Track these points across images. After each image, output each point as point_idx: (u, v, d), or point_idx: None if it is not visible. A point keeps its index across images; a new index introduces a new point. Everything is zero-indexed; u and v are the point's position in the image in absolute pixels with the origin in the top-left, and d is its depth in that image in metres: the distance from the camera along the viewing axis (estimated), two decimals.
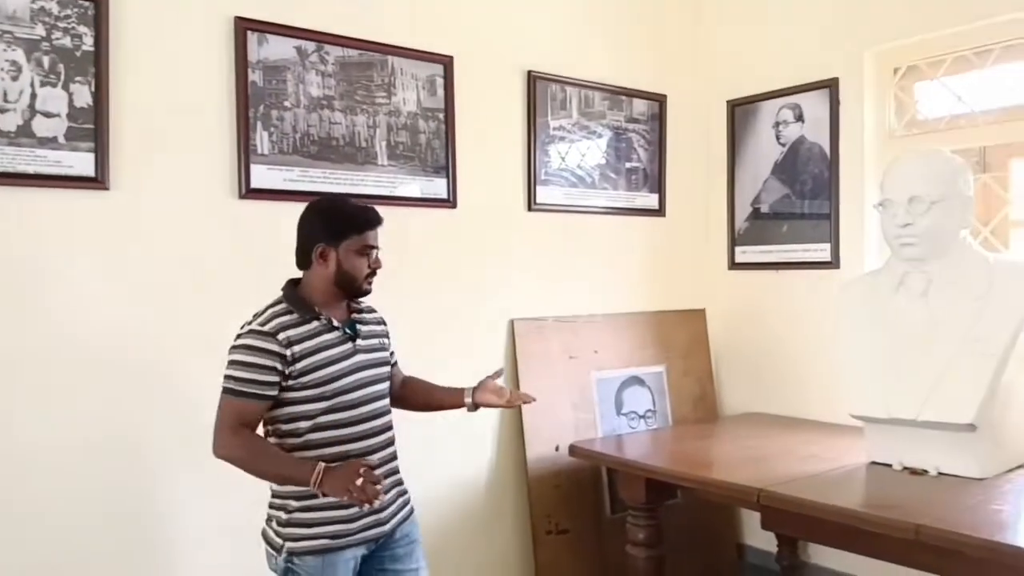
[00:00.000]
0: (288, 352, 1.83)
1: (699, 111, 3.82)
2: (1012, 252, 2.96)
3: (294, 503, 1.88)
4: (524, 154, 3.17)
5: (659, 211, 3.66)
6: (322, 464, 1.77)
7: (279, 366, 1.82)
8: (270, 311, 1.90)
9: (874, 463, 2.56)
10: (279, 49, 2.57)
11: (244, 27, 2.49)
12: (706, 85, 3.84)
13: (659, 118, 3.63)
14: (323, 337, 1.90)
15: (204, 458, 1.85)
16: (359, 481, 1.71)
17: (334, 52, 2.68)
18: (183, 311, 2.41)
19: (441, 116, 2.91)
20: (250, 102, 2.51)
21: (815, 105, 3.44)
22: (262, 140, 2.54)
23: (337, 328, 1.94)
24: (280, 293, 1.96)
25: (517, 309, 3.14)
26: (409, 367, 2.75)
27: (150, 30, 2.36)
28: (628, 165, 3.53)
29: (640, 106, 3.56)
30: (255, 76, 2.52)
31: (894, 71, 3.28)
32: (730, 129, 3.78)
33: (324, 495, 1.77)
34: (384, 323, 2.14)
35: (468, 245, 2.99)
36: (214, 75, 2.47)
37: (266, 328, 1.84)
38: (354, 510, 1.86)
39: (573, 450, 2.97)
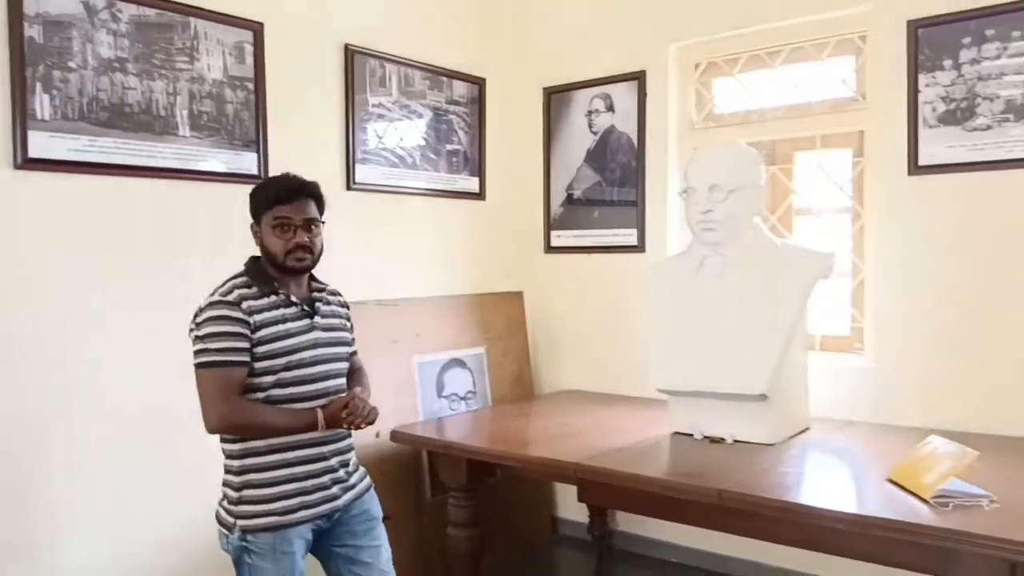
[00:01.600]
0: (251, 320, 1.86)
1: (517, 96, 3.88)
2: (796, 237, 3.26)
3: (242, 479, 1.90)
4: (342, 131, 3.05)
5: (479, 194, 3.68)
6: (316, 414, 1.91)
7: (247, 332, 1.85)
8: (231, 283, 1.92)
9: (677, 433, 2.73)
10: (63, 3, 2.29)
11: None
12: (524, 71, 3.90)
13: (479, 101, 3.64)
14: (281, 311, 1.92)
15: None
16: (344, 413, 1.92)
17: (128, 10, 2.43)
18: None
19: (250, 86, 2.73)
20: (27, 61, 2.21)
21: (624, 96, 3.60)
22: (42, 104, 2.25)
23: (295, 304, 1.96)
24: (242, 268, 1.97)
25: None
26: None
27: None
28: (449, 147, 3.52)
29: (460, 88, 3.55)
30: (33, 31, 2.23)
31: (695, 66, 3.50)
32: (546, 116, 3.87)
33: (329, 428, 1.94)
34: (347, 307, 2.16)
35: None
36: None
37: (229, 298, 1.87)
38: (303, 484, 1.92)
39: (395, 435, 2.93)
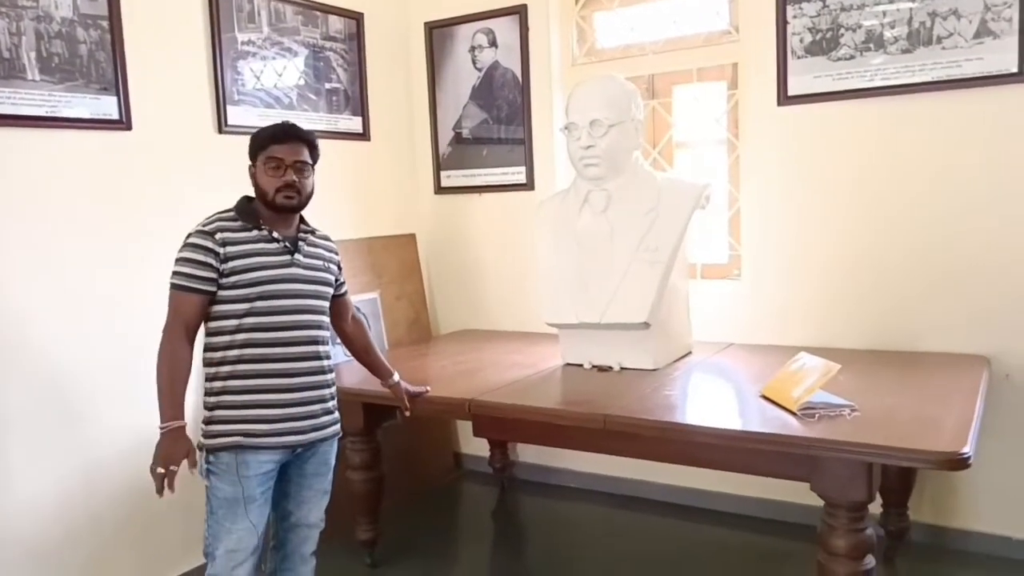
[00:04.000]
0: (222, 251, 1.95)
1: (397, 32, 3.77)
2: (676, 171, 3.35)
3: (213, 400, 1.99)
4: (209, 71, 2.89)
5: (363, 135, 3.59)
6: (174, 425, 1.88)
7: (214, 263, 1.94)
8: (216, 215, 2.03)
9: (568, 364, 2.81)
10: None
11: None
12: (403, 5, 3.78)
13: (357, 37, 3.51)
14: (260, 245, 2.01)
15: None
16: (160, 471, 1.83)
17: None
18: None
19: (105, 24, 2.53)
20: None
21: (507, 31, 3.55)
22: None
23: (278, 241, 2.03)
24: (233, 203, 2.06)
25: None
26: (98, 310, 2.51)
27: None
28: (328, 86, 3.39)
29: (336, 23, 3.41)
30: None
31: (575, 0, 3.48)
32: (429, 52, 3.79)
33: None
34: (336, 253, 2.23)
35: (149, 172, 2.69)
36: None
37: (206, 228, 1.97)
38: (268, 412, 1.98)
39: None
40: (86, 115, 2.51)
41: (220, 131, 2.91)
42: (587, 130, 2.63)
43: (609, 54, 3.46)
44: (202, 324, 2.01)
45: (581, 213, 2.76)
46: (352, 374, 3.04)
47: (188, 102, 2.83)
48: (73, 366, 2.50)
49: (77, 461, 2.52)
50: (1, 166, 2.33)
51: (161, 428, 1.88)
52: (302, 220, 2.16)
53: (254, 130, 2.13)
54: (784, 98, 2.94)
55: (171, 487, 1.85)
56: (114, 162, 2.60)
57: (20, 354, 2.38)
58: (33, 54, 2.38)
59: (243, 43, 3.00)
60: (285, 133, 2.06)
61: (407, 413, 2.49)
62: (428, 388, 2.53)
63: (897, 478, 2.69)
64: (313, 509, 2.19)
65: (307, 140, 2.09)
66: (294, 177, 2.03)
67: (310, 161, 2.09)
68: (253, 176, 2.07)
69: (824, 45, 2.85)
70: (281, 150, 2.02)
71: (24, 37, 2.35)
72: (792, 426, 2.01)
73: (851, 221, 2.90)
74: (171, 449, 1.87)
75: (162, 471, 1.84)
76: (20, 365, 2.38)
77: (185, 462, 1.88)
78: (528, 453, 3.74)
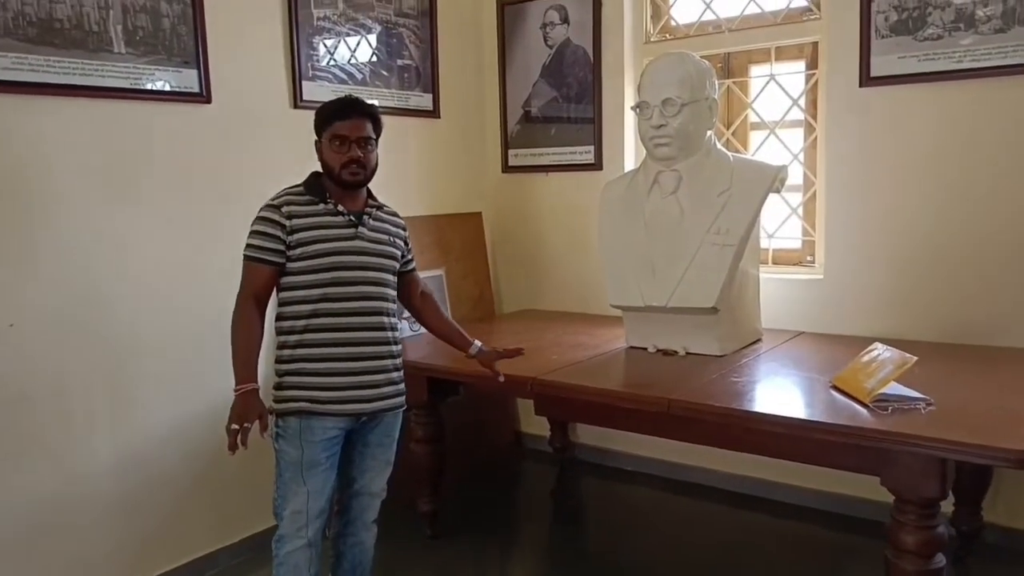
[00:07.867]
0: (288, 223, 2.01)
1: (470, 9, 3.76)
2: (752, 152, 3.26)
3: (283, 367, 2.08)
4: (286, 46, 2.94)
5: (434, 112, 3.60)
6: (248, 387, 1.94)
7: (280, 234, 2.01)
8: (285, 190, 2.10)
9: (632, 348, 2.78)
10: None
11: None
12: None
13: (430, 14, 3.52)
14: (325, 218, 2.06)
15: None
16: (234, 427, 1.89)
17: None
18: None
19: None
20: None
21: (580, 8, 3.51)
22: None
23: (343, 214, 2.08)
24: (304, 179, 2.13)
25: None
26: (172, 286, 2.61)
27: None
28: (400, 62, 3.41)
29: (410, 0, 3.43)
30: None
31: None
32: (500, 29, 3.77)
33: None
34: (403, 229, 2.26)
35: (227, 145, 2.76)
36: None
37: (275, 203, 2.05)
38: (333, 379, 2.04)
39: None
40: (168, 88, 2.58)
41: (295, 106, 2.96)
42: (659, 109, 2.58)
43: (683, 31, 3.39)
44: (274, 293, 2.07)
45: (650, 194, 2.71)
46: (417, 348, 3.08)
47: (265, 77, 2.89)
48: (151, 333, 2.60)
49: (153, 424, 2.63)
50: (89, 137, 2.42)
51: (236, 390, 1.95)
52: (370, 195, 2.18)
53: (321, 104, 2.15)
54: (866, 79, 2.83)
55: (244, 444, 1.90)
56: (195, 135, 2.67)
57: (103, 320, 2.48)
58: (120, 27, 2.45)
59: (319, 19, 3.04)
60: (349, 109, 2.07)
61: (501, 379, 2.40)
62: (523, 348, 2.45)
63: (971, 476, 2.59)
64: (376, 478, 2.24)
65: (370, 114, 2.10)
66: (359, 153, 2.05)
67: (373, 136, 2.10)
68: (320, 151, 2.10)
69: (910, 24, 2.73)
70: (345, 127, 2.04)
71: (112, 11, 2.43)
72: (864, 418, 1.95)
73: (933, 209, 2.78)
74: (244, 409, 1.93)
75: (236, 427, 1.90)
76: (102, 331, 2.48)
77: (257, 423, 1.94)
78: (589, 435, 3.73)
